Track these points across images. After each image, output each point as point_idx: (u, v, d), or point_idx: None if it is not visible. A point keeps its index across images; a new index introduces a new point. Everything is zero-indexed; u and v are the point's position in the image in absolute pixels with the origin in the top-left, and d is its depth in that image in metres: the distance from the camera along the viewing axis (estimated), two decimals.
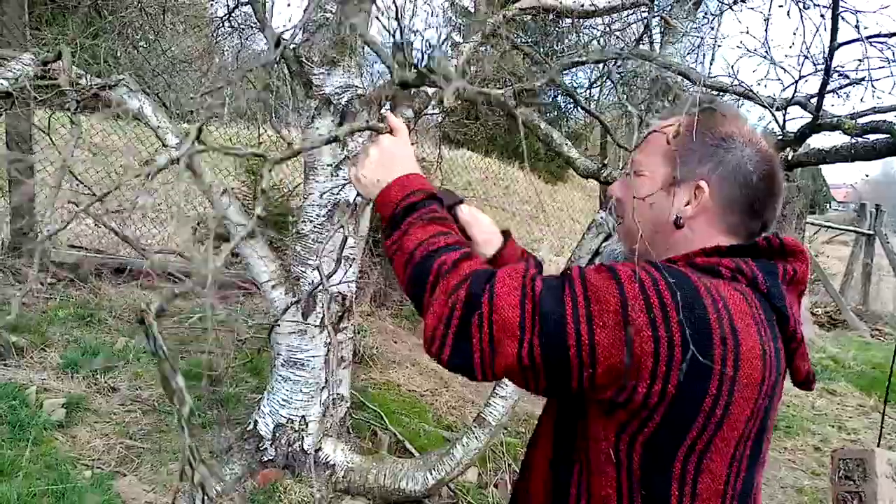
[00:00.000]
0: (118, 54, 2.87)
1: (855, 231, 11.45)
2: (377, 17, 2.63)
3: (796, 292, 1.05)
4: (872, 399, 6.22)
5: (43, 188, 5.95)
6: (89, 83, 2.71)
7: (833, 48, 1.43)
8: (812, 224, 10.44)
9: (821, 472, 4.56)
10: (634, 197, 1.05)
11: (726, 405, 0.88)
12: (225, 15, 3.84)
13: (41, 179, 5.97)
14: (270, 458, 3.24)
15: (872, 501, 2.59)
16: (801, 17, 1.49)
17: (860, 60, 1.49)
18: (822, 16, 1.47)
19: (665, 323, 0.86)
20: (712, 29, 3.06)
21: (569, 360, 0.88)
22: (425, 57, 2.61)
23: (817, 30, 1.75)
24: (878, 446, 3.39)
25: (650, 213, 1.06)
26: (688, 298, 0.87)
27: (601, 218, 3.35)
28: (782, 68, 1.96)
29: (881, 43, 1.57)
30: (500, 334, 0.90)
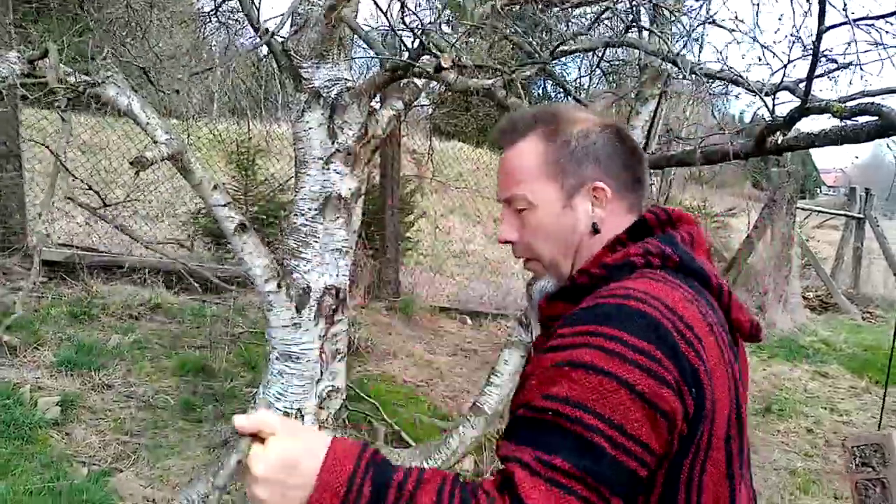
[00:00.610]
0: (105, 51, 2.85)
1: (845, 215, 11.52)
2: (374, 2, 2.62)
3: (702, 252, 1.06)
4: (864, 381, 6.28)
5: (32, 187, 5.91)
6: (77, 80, 2.69)
7: (821, 31, 1.44)
8: (802, 209, 10.49)
9: (813, 454, 4.60)
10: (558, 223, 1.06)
11: (713, 409, 0.90)
12: (212, 10, 3.81)
13: (30, 179, 5.93)
14: None
15: None
16: (792, 1, 1.49)
17: (848, 44, 1.51)
18: (808, 0, 1.48)
19: (660, 364, 0.85)
20: (700, 17, 3.06)
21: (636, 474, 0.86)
22: (417, 38, 2.60)
23: (805, 14, 1.76)
24: (879, 429, 3.41)
25: (560, 234, 1.06)
26: (649, 328, 0.87)
27: None
28: (771, 52, 1.97)
29: (869, 25, 1.58)
30: None
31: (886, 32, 1.57)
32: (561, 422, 0.84)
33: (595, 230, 1.04)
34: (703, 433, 0.89)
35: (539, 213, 1.05)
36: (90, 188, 2.45)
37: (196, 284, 4.94)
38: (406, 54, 2.77)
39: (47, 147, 2.55)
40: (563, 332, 0.91)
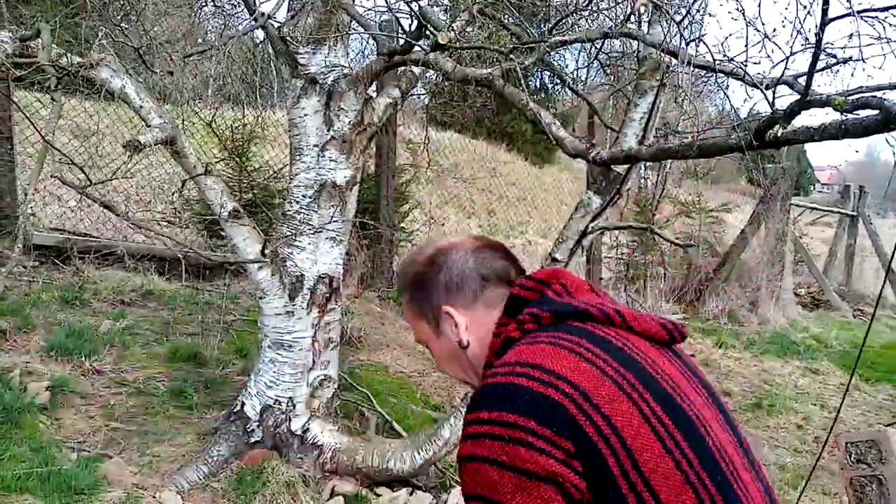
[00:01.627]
0: (99, 34, 2.81)
1: (838, 212, 11.56)
2: None
3: (583, 292, 1.15)
4: (854, 378, 6.30)
5: (24, 169, 5.86)
6: (70, 62, 2.65)
7: (824, 23, 1.42)
8: (797, 206, 10.52)
9: (803, 450, 4.63)
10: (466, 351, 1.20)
11: (619, 438, 0.92)
12: None
13: (21, 161, 5.88)
14: (258, 439, 3.24)
15: (894, 483, 2.54)
16: None
17: (850, 36, 1.49)
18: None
19: (535, 435, 0.91)
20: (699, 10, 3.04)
21: None
22: (416, 17, 2.57)
23: (807, 7, 1.74)
24: (837, 417, 3.39)
25: (449, 358, 1.22)
26: (518, 401, 0.94)
27: (588, 198, 3.35)
28: (774, 43, 1.96)
29: (872, 17, 1.57)
30: None
31: (890, 25, 1.56)
32: None
33: (463, 346, 1.18)
34: (621, 465, 0.91)
35: (430, 346, 1.24)
36: (73, 163, 2.41)
37: (187, 272, 4.91)
38: (404, 37, 2.74)
39: (33, 124, 2.50)
40: (464, 419, 1.02)
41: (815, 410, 5.45)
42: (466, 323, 1.17)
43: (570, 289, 1.14)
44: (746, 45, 2.08)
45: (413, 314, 1.24)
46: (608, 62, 4.91)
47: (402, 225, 7.27)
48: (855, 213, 11.15)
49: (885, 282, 5.30)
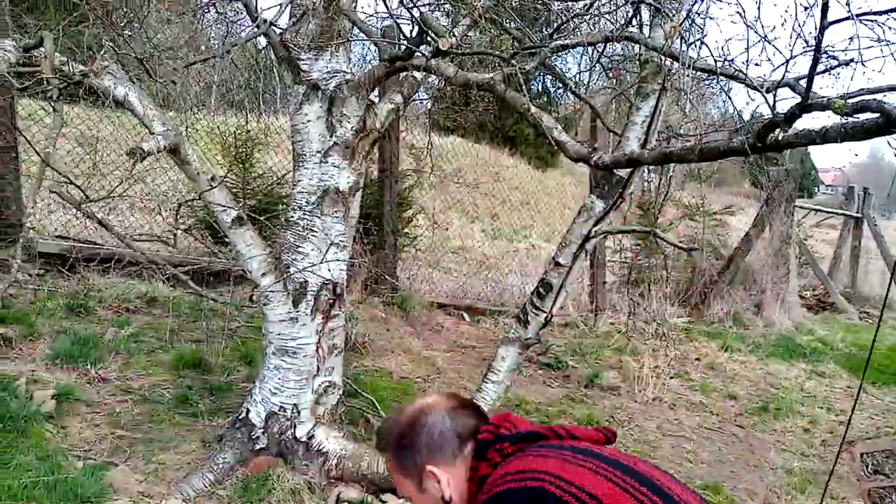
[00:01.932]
0: (102, 42, 2.82)
1: (843, 214, 11.52)
2: None
3: (527, 424, 1.39)
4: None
5: (29, 178, 5.88)
6: (73, 71, 2.67)
7: (824, 26, 1.42)
8: (801, 208, 10.48)
9: (810, 454, 4.60)
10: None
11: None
12: (210, 1, 3.78)
13: (26, 170, 5.90)
14: (263, 446, 3.24)
15: None
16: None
17: (850, 39, 1.49)
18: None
19: None
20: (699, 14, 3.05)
21: None
22: (417, 23, 2.58)
23: (807, 9, 1.74)
24: (850, 422, 3.35)
25: None
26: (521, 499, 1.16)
27: (591, 202, 3.35)
28: (774, 47, 1.96)
29: (872, 21, 1.57)
30: None
31: (889, 28, 1.56)
32: None
33: (447, 502, 1.34)
34: None
35: (414, 501, 1.41)
36: (70, 182, 2.42)
37: (192, 278, 4.92)
38: (405, 43, 2.74)
39: (28, 142, 2.51)
40: None
41: (822, 414, 5.42)
42: (448, 479, 1.34)
43: (518, 425, 1.36)
44: (747, 48, 2.09)
45: (396, 472, 1.41)
46: (610, 65, 4.91)
47: (406, 230, 7.28)
48: (860, 215, 11.11)
49: (890, 284, 5.27)
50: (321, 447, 3.26)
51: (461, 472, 1.34)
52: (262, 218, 5.50)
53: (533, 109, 2.61)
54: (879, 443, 2.72)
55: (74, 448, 3.19)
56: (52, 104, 2.41)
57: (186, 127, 4.45)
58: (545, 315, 3.38)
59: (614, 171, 3.03)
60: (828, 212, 12.38)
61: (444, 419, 1.37)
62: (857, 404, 5.74)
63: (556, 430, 1.34)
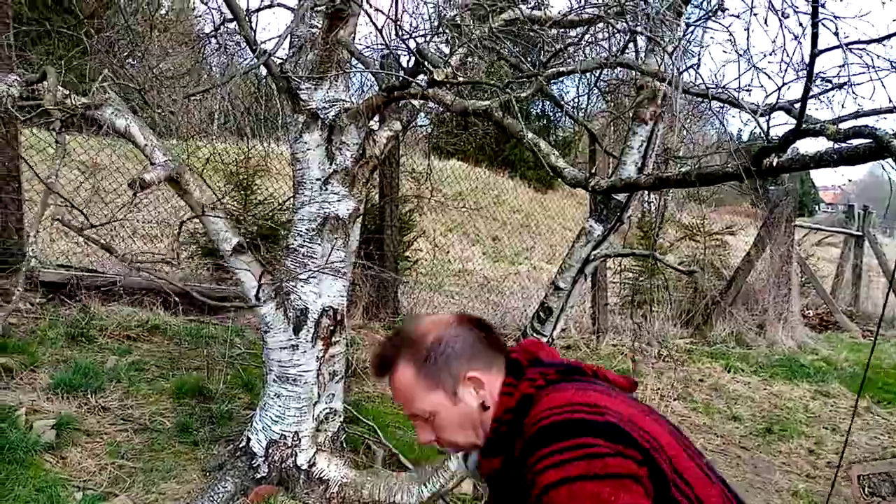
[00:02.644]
0: (104, 73, 2.86)
1: (844, 232, 11.53)
2: (371, 21, 2.63)
3: (557, 355, 1.40)
4: (865, 400, 6.23)
5: (31, 207, 5.92)
6: (74, 103, 2.70)
7: (814, 55, 1.44)
8: (801, 227, 10.50)
9: (816, 475, 4.56)
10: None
11: (657, 443, 1.15)
12: (211, 32, 3.83)
13: (29, 199, 5.94)
14: (263, 475, 3.22)
15: None
16: (781, 25, 1.50)
17: (840, 66, 1.51)
18: (800, 24, 1.49)
19: (628, 455, 1.10)
20: (695, 37, 3.08)
21: None
22: (413, 55, 2.61)
23: (796, 37, 1.76)
24: (846, 441, 3.34)
25: (463, 423, 1.31)
26: (608, 431, 1.11)
27: (590, 226, 3.36)
28: (766, 74, 1.98)
29: (861, 49, 1.59)
30: None
31: (878, 56, 1.59)
32: None
33: (486, 407, 1.30)
34: (664, 462, 1.14)
35: (440, 416, 1.31)
36: (73, 207, 2.45)
37: (192, 305, 4.93)
38: (402, 74, 2.78)
39: (32, 169, 2.55)
40: (528, 464, 1.14)
41: (827, 434, 5.38)
42: (488, 386, 1.29)
43: (554, 354, 1.37)
44: (739, 76, 2.11)
45: (422, 384, 1.30)
46: (608, 89, 4.96)
47: (407, 254, 7.29)
48: (860, 233, 11.12)
49: (885, 301, 5.27)
50: (322, 475, 3.24)
51: (496, 382, 1.30)
52: (262, 244, 5.52)
53: (529, 136, 2.64)
54: (877, 465, 2.71)
55: (74, 478, 3.18)
56: (56, 137, 2.43)
57: (188, 156, 4.49)
58: (546, 339, 3.37)
59: (612, 195, 3.05)
60: (828, 230, 12.39)
61: (470, 329, 1.34)
62: (863, 424, 5.70)
63: (596, 370, 1.33)
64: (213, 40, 4.02)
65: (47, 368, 4.10)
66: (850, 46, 1.52)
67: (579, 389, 1.20)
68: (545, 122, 16.25)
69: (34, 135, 6.33)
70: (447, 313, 1.45)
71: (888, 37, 1.57)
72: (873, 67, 1.58)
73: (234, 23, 3.18)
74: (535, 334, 3.40)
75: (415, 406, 1.32)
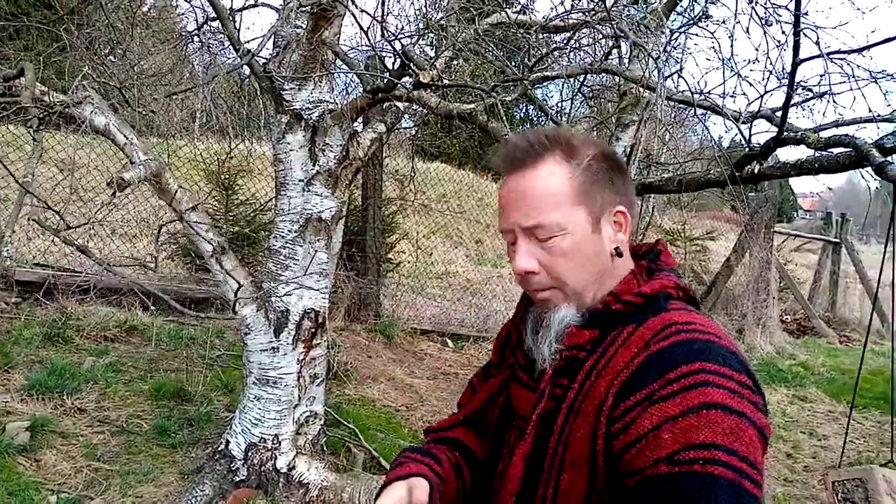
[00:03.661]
0: (84, 70, 2.82)
1: (821, 239, 11.68)
2: (356, 22, 2.62)
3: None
4: (842, 405, 6.32)
5: (6, 205, 5.82)
6: (53, 100, 2.66)
7: (796, 64, 1.46)
8: (780, 233, 10.62)
9: (793, 479, 4.61)
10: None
11: None
12: (194, 30, 3.80)
13: (4, 196, 5.85)
14: (242, 478, 3.18)
15: None
16: (765, 33, 1.51)
17: (821, 76, 1.53)
18: (783, 32, 1.50)
19: (760, 396, 0.92)
20: (678, 46, 3.11)
21: None
22: (399, 57, 2.60)
23: (779, 45, 1.78)
24: (843, 452, 3.40)
25: (590, 260, 1.03)
26: (743, 365, 0.92)
27: None
28: (748, 82, 2.00)
29: (841, 59, 1.61)
30: None
31: (858, 66, 1.60)
32: (712, 469, 0.82)
33: (618, 254, 1.03)
34: None
35: (571, 239, 1.01)
36: (49, 208, 2.40)
37: (171, 305, 4.88)
38: (387, 75, 2.77)
39: (6, 168, 2.50)
40: (670, 375, 0.89)
41: (805, 439, 5.44)
42: (624, 237, 1.05)
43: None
44: (724, 82, 2.12)
45: (567, 197, 1.00)
46: (591, 94, 4.99)
47: (390, 256, 7.27)
48: (838, 240, 11.28)
49: (873, 310, 5.34)
50: (302, 478, 3.21)
51: (628, 243, 1.07)
52: (244, 244, 5.48)
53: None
54: (851, 471, 2.75)
55: (48, 482, 3.12)
56: (33, 134, 2.39)
57: (168, 155, 4.44)
58: None
59: None
60: (807, 237, 12.54)
61: (621, 171, 1.07)
62: (839, 428, 5.77)
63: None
64: (196, 39, 3.98)
65: (22, 369, 4.03)
66: (831, 56, 1.54)
67: (712, 322, 0.99)
68: (528, 125, 16.30)
69: (10, 131, 6.24)
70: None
71: (868, 47, 1.59)
72: (853, 77, 1.59)
73: (217, 21, 3.15)
74: None
75: (544, 216, 1.00)
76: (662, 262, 1.09)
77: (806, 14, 1.61)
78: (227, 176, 6.35)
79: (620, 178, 1.05)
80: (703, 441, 0.83)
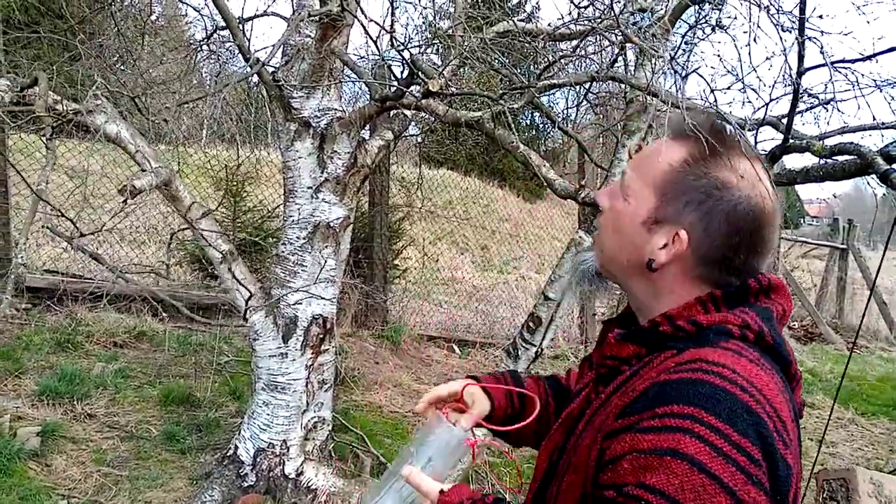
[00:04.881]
0: (95, 79, 2.86)
1: (828, 246, 11.64)
2: (365, 32, 2.64)
3: (781, 327, 0.99)
4: (850, 412, 6.29)
5: (18, 212, 5.87)
6: (66, 109, 2.69)
7: (800, 72, 1.47)
8: (786, 239, 10.61)
9: (802, 487, 4.59)
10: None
11: (797, 486, 0.86)
12: (203, 39, 3.84)
13: (16, 203, 5.90)
14: (251, 483, 3.20)
15: None
16: (781, 39, 1.53)
17: (826, 84, 1.55)
18: (783, 40, 1.52)
19: (759, 467, 0.79)
20: (686, 52, 3.13)
21: None
22: (407, 66, 2.63)
23: (784, 51, 1.80)
24: (820, 447, 3.42)
25: (626, 241, 1.00)
26: (756, 428, 0.80)
27: (580, 237, 3.38)
28: (754, 90, 2.02)
29: (846, 68, 1.62)
30: None
31: (863, 75, 1.62)
32: None
33: (650, 267, 0.97)
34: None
35: (625, 207, 1.00)
36: (62, 215, 2.44)
37: (181, 312, 4.91)
38: (395, 83, 2.80)
39: (20, 175, 2.54)
40: (658, 410, 0.82)
41: (813, 446, 5.41)
42: (668, 259, 0.96)
43: (784, 316, 0.98)
44: (727, 89, 2.14)
45: (656, 178, 0.97)
46: (597, 101, 5.00)
47: (396, 262, 7.30)
48: (845, 246, 11.24)
49: (864, 312, 5.33)
50: (310, 484, 3.23)
51: (681, 277, 0.97)
52: (252, 251, 5.51)
53: (522, 148, 2.66)
54: (838, 471, 2.78)
55: (59, 486, 3.15)
56: (46, 142, 2.43)
57: (178, 162, 4.49)
58: (535, 349, 3.38)
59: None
60: (813, 243, 12.50)
61: (740, 223, 0.93)
62: (847, 435, 5.76)
63: (794, 374, 0.95)
64: (205, 47, 4.03)
65: (32, 375, 4.07)
66: (836, 65, 1.55)
67: (773, 380, 0.86)
68: (534, 132, 16.34)
69: (22, 139, 6.30)
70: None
71: (873, 56, 1.60)
72: (858, 85, 1.61)
73: (227, 30, 3.18)
74: (524, 344, 3.41)
75: (631, 173, 1.00)
76: (762, 299, 0.96)
77: (808, 19, 1.62)
78: (235, 183, 6.39)
79: (725, 228, 0.94)
80: (652, 485, 0.78)
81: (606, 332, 1.09)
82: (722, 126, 0.99)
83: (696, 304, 0.94)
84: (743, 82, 1.80)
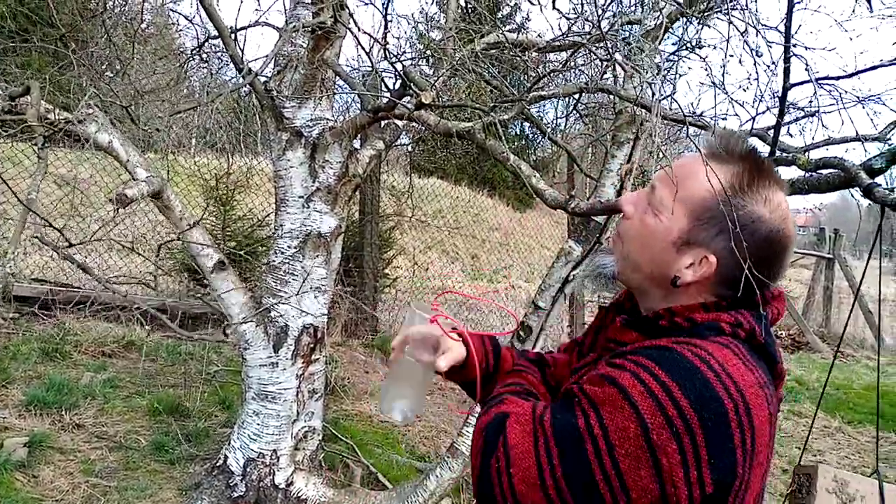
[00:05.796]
0: (85, 85, 2.86)
1: (815, 255, 11.75)
2: (357, 43, 2.66)
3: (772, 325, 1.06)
4: (837, 420, 6.35)
5: (4, 221, 5.84)
6: (57, 118, 2.69)
7: (786, 88, 1.50)
8: None
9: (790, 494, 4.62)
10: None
11: (748, 475, 0.88)
12: (195, 48, 3.84)
13: (3, 211, 5.86)
14: (241, 493, 3.19)
15: None
16: (755, 63, 1.56)
17: (811, 100, 1.58)
18: (773, 63, 1.55)
19: (688, 432, 0.83)
20: (672, 67, 3.17)
21: (601, 496, 0.86)
22: (399, 77, 2.65)
23: (769, 67, 1.83)
24: (805, 447, 3.51)
25: (653, 256, 1.03)
26: (703, 396, 0.85)
27: (570, 246, 3.41)
28: (740, 104, 2.05)
29: (830, 84, 1.66)
30: (521, 486, 0.90)
31: (846, 91, 1.66)
32: (576, 402, 0.91)
33: (674, 284, 1.01)
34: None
35: (656, 224, 1.02)
36: (52, 226, 2.44)
37: (167, 324, 4.89)
38: (388, 94, 2.82)
39: (7, 185, 2.54)
40: (630, 355, 0.92)
41: (800, 454, 5.45)
42: (693, 279, 0.99)
43: (777, 318, 1.04)
44: (715, 104, 2.18)
45: (692, 202, 0.99)
46: (587, 112, 5.05)
47: (387, 271, 7.30)
48: (831, 256, 11.34)
49: (847, 320, 5.39)
50: (300, 494, 3.22)
51: (700, 293, 1.01)
52: (242, 260, 5.50)
53: (512, 158, 2.68)
54: (807, 467, 2.90)
55: (46, 498, 3.12)
56: (38, 151, 2.43)
57: (168, 170, 4.48)
58: None
59: (592, 217, 3.10)
60: (800, 253, 12.61)
61: (763, 254, 0.97)
62: (835, 443, 5.80)
63: (780, 372, 1.02)
64: (197, 56, 4.03)
65: (20, 385, 4.04)
66: (820, 81, 1.59)
67: (753, 375, 0.90)
68: (523, 142, 16.42)
69: (10, 147, 6.26)
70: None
71: (855, 73, 1.64)
72: (842, 101, 1.64)
73: (219, 40, 3.19)
74: None
75: (666, 190, 1.01)
76: (762, 305, 1.01)
77: (795, 34, 1.66)
78: (224, 192, 6.38)
79: (747, 249, 0.97)
80: (587, 391, 0.90)
81: (604, 316, 1.17)
82: (759, 154, 1.03)
83: (698, 306, 1.00)
84: (731, 98, 1.84)
